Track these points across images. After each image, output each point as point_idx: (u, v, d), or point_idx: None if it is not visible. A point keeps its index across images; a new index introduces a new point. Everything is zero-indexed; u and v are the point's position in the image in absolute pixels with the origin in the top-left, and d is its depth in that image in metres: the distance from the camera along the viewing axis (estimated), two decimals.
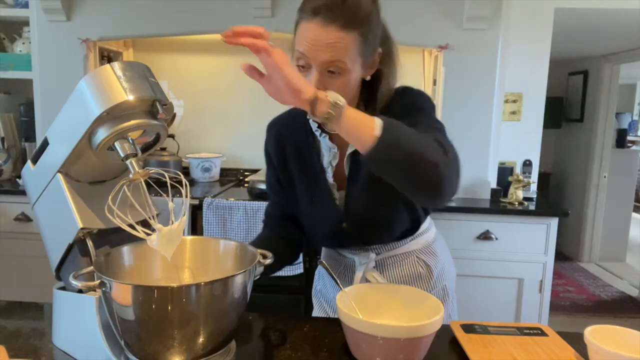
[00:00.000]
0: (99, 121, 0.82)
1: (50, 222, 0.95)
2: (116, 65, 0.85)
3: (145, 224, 0.85)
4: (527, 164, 2.81)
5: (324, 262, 1.12)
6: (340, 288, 0.98)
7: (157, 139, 0.93)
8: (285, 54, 0.84)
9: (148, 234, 0.83)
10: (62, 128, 0.88)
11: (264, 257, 0.92)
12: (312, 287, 1.36)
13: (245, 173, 2.93)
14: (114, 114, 0.82)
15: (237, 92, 2.95)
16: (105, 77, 0.83)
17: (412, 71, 2.90)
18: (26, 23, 2.73)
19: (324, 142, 1.12)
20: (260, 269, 0.98)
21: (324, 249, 1.29)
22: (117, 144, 0.84)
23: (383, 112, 1.01)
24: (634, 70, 5.98)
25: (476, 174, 2.58)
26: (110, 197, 0.81)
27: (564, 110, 4.99)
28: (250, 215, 2.27)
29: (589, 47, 4.13)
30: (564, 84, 5.03)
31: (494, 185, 2.64)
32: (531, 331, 1.01)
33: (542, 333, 1.01)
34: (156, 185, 0.87)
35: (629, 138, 5.71)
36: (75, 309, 0.91)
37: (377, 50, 1.03)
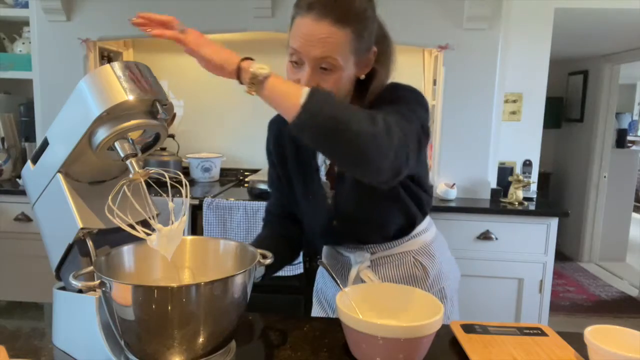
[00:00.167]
0: (99, 121, 0.82)
1: (50, 222, 0.95)
2: (116, 65, 0.85)
3: (145, 224, 0.85)
4: (527, 164, 2.81)
5: (324, 262, 1.13)
6: (340, 288, 0.98)
7: (157, 139, 0.94)
8: (199, 35, 0.88)
9: (148, 234, 0.83)
10: (62, 128, 0.88)
11: (264, 257, 0.92)
12: (314, 285, 1.37)
13: (245, 173, 2.93)
14: (114, 114, 0.82)
15: (237, 92, 2.92)
16: (105, 77, 0.83)
17: (412, 71, 2.90)
18: (26, 23, 2.73)
19: None
20: (261, 271, 0.98)
21: (324, 247, 1.30)
22: (117, 144, 0.84)
23: (370, 106, 1.00)
24: (634, 70, 5.98)
25: (476, 174, 2.58)
26: (110, 197, 0.81)
27: (564, 110, 4.99)
28: (250, 215, 2.27)
29: (589, 47, 4.13)
30: (564, 84, 5.03)
31: (494, 185, 2.64)
32: (531, 331, 1.01)
33: (542, 333, 1.01)
34: (156, 185, 0.87)
35: (629, 138, 5.71)
36: (75, 309, 0.91)
37: (372, 49, 1.02)
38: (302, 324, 1.06)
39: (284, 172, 1.20)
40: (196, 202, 2.33)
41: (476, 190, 2.59)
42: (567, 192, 5.03)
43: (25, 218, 2.52)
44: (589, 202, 4.66)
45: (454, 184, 2.51)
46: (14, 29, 2.86)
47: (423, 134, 0.99)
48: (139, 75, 0.85)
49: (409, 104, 1.00)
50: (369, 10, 0.98)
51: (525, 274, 2.42)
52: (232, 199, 2.31)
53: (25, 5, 2.68)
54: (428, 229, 1.22)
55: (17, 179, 2.69)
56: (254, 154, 3.00)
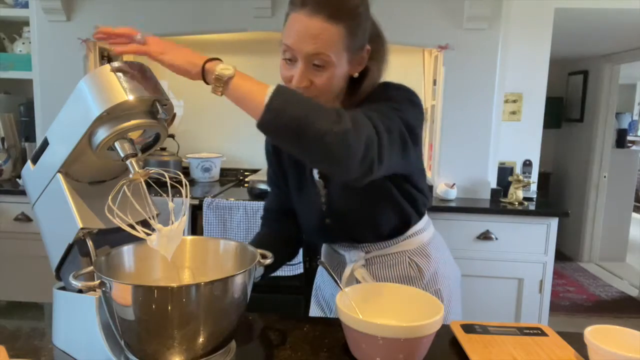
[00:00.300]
0: (99, 121, 0.82)
1: (50, 222, 0.95)
2: (116, 65, 0.85)
3: (145, 224, 0.85)
4: (527, 164, 2.81)
5: (324, 262, 1.13)
6: (340, 288, 0.98)
7: (157, 139, 0.94)
8: (160, 41, 0.87)
9: (148, 234, 0.83)
10: (62, 128, 0.88)
11: (264, 257, 0.92)
12: (313, 284, 1.37)
13: (245, 173, 2.93)
14: (114, 114, 0.82)
15: None
16: (105, 77, 0.83)
17: (412, 71, 2.90)
18: (26, 23, 2.73)
19: None
20: (260, 271, 0.98)
21: (323, 246, 1.30)
22: (117, 144, 0.84)
23: (359, 105, 1.00)
24: (634, 70, 5.98)
25: (476, 174, 2.58)
26: (110, 197, 0.81)
27: (564, 110, 4.99)
28: (250, 215, 2.27)
29: (589, 47, 4.13)
30: (564, 84, 5.03)
31: (494, 185, 2.64)
32: (531, 331, 1.01)
33: (542, 333, 1.01)
34: (156, 185, 0.87)
35: (629, 138, 5.71)
36: (75, 309, 0.91)
37: (366, 47, 1.02)
38: (302, 324, 1.06)
39: (280, 169, 1.21)
40: (196, 202, 2.33)
41: (476, 190, 2.59)
42: (567, 192, 5.03)
43: (25, 218, 2.52)
44: (589, 202, 4.66)
45: (454, 184, 2.51)
46: (14, 29, 2.86)
47: (408, 132, 0.97)
48: (139, 75, 0.86)
49: (396, 103, 0.99)
50: (362, 7, 0.98)
51: (525, 274, 2.42)
52: (232, 199, 2.31)
53: (25, 5, 2.68)
54: (425, 229, 1.20)
55: (17, 179, 2.69)
56: (254, 154, 3.00)
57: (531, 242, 2.39)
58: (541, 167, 2.98)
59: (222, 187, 2.70)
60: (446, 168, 2.58)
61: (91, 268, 0.82)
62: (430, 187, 2.64)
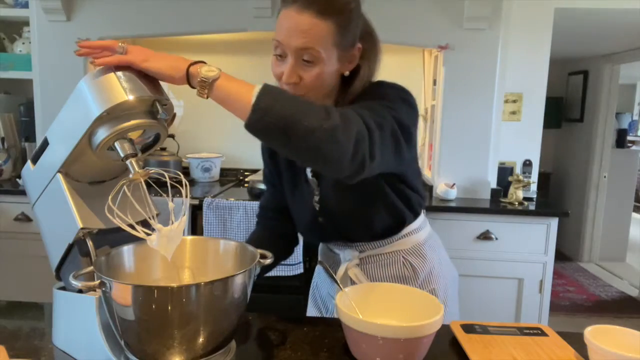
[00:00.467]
0: (99, 121, 0.82)
1: (50, 222, 0.95)
2: None
3: (145, 224, 0.85)
4: (527, 164, 2.81)
5: (323, 262, 1.13)
6: (340, 288, 0.98)
7: (157, 139, 0.94)
8: (142, 50, 0.86)
9: (148, 234, 0.83)
10: (62, 128, 0.88)
11: (264, 257, 0.92)
12: (311, 283, 1.37)
13: (245, 173, 2.93)
14: (114, 114, 0.82)
15: None
16: (105, 77, 0.83)
17: (412, 71, 2.90)
18: (26, 23, 2.73)
19: None
20: (257, 269, 0.98)
21: (320, 245, 1.30)
22: (117, 144, 0.84)
23: (352, 103, 1.00)
24: (634, 70, 5.98)
25: (476, 174, 2.58)
26: (110, 197, 0.81)
27: (564, 110, 4.99)
28: (250, 215, 2.27)
29: (589, 47, 4.13)
30: (564, 84, 5.03)
31: (494, 185, 2.64)
32: (531, 331, 1.01)
33: (542, 333, 1.01)
34: (156, 185, 0.87)
35: (629, 138, 5.71)
36: (75, 309, 0.91)
37: (357, 45, 1.02)
38: (301, 324, 1.06)
39: (274, 168, 1.22)
40: (196, 202, 2.33)
41: (476, 190, 2.59)
42: (567, 192, 5.03)
43: (25, 218, 2.52)
44: (589, 202, 4.66)
45: (454, 184, 2.51)
46: (14, 29, 2.86)
47: (401, 130, 0.96)
48: (139, 75, 0.85)
49: (389, 101, 0.99)
50: (353, 4, 0.98)
51: (525, 274, 2.42)
52: (232, 199, 2.31)
53: (25, 5, 2.68)
54: (420, 229, 1.20)
55: (17, 179, 2.69)
56: (254, 154, 2.99)
57: (531, 242, 2.39)
58: (541, 167, 2.98)
59: (222, 187, 2.70)
60: (446, 168, 2.58)
61: (91, 268, 0.82)
62: (430, 187, 2.64)
